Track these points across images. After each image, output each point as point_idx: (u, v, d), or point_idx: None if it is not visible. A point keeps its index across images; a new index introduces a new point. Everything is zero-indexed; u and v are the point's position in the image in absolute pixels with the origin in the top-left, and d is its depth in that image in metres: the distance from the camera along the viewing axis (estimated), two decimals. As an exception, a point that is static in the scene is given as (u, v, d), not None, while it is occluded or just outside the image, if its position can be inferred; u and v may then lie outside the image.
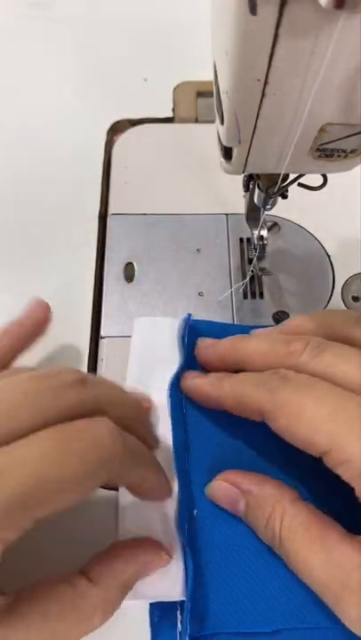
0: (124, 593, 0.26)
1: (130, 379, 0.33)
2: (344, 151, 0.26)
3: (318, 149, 0.26)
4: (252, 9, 0.18)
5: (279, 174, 0.28)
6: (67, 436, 0.23)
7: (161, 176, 0.45)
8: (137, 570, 0.27)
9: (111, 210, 0.43)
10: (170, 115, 0.49)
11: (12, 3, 0.56)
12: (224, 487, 0.28)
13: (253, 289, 0.39)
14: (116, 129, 0.48)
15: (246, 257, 0.41)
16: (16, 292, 0.38)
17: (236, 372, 0.30)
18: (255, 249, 0.37)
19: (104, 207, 0.44)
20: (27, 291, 0.35)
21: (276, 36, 0.19)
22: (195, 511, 0.29)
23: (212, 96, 0.27)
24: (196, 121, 0.49)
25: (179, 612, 0.28)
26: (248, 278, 0.39)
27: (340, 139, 0.25)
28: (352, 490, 0.23)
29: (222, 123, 0.25)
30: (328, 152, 0.26)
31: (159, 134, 0.48)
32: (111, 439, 0.24)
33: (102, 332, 0.37)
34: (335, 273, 0.40)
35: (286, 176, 0.30)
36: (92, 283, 0.40)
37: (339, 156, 0.26)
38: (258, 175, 0.32)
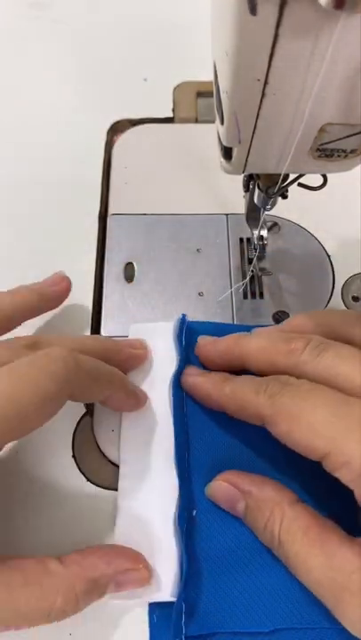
0: (93, 591, 0.26)
1: None
2: (344, 151, 0.26)
3: (318, 149, 0.26)
4: (252, 9, 0.18)
5: (279, 174, 0.28)
6: (19, 370, 0.25)
7: (161, 176, 0.45)
8: (110, 572, 0.26)
9: (111, 210, 0.43)
10: (170, 115, 0.49)
11: (12, 3, 0.56)
12: (224, 487, 0.28)
13: (253, 289, 0.39)
14: (116, 129, 0.48)
15: (246, 257, 0.41)
16: (16, 292, 0.38)
17: (236, 373, 0.30)
18: (255, 249, 0.37)
19: (104, 207, 0.44)
20: (27, 291, 0.35)
21: (276, 35, 0.19)
22: (194, 511, 0.29)
23: (212, 96, 0.27)
24: (196, 121, 0.49)
25: (175, 613, 0.28)
26: (248, 278, 0.39)
27: (340, 139, 0.25)
28: (351, 493, 0.23)
29: (222, 123, 0.25)
30: (328, 152, 0.26)
31: (159, 134, 0.48)
32: (63, 362, 0.26)
33: (102, 332, 0.37)
34: (335, 273, 0.40)
35: (286, 176, 0.30)
36: (92, 283, 0.40)
37: (339, 156, 0.26)
38: (258, 175, 0.32)
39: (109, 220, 0.42)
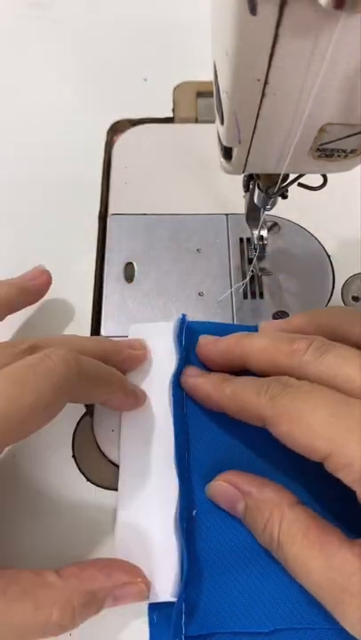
0: (91, 604, 0.25)
1: None
2: (344, 151, 0.26)
3: (318, 149, 0.26)
4: (252, 9, 0.18)
5: (279, 174, 0.28)
6: (19, 372, 0.25)
7: (161, 176, 0.45)
8: (108, 585, 0.26)
9: (111, 210, 0.43)
10: (170, 115, 0.49)
11: (12, 3, 0.56)
12: (224, 487, 0.28)
13: (253, 289, 0.39)
14: (116, 129, 0.48)
15: (246, 257, 0.41)
16: (16, 292, 0.38)
17: (236, 373, 0.30)
18: (255, 249, 0.37)
19: (104, 207, 0.44)
20: (27, 291, 0.35)
21: (276, 35, 0.19)
22: (194, 511, 0.29)
23: (212, 96, 0.27)
24: (196, 121, 0.49)
25: (175, 613, 0.28)
26: (248, 278, 0.39)
27: (340, 139, 0.25)
28: (354, 494, 0.23)
29: (222, 123, 0.25)
30: (328, 152, 0.26)
31: (159, 134, 0.48)
32: (64, 367, 0.26)
33: (102, 333, 0.37)
34: (335, 273, 0.40)
35: (286, 176, 0.30)
36: (92, 283, 0.40)
37: (339, 156, 0.26)
38: (258, 175, 0.32)
39: (109, 220, 0.42)
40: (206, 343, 0.32)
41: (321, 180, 0.31)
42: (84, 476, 0.32)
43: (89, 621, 0.28)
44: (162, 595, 0.27)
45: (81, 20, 0.55)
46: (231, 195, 0.41)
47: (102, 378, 0.29)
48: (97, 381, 0.28)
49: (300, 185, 0.31)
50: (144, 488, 0.30)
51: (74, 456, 0.33)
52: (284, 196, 0.33)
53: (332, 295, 0.39)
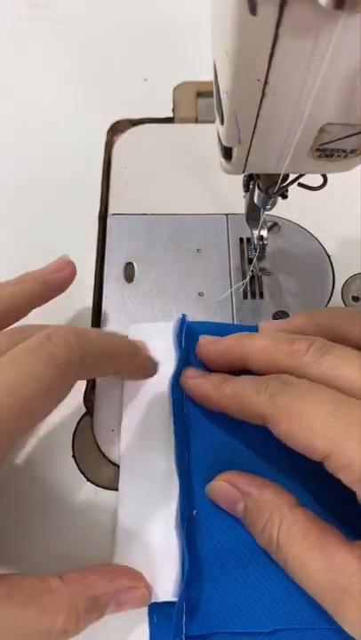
0: (94, 609, 0.25)
1: (127, 384, 0.33)
2: (344, 151, 0.26)
3: (318, 149, 0.26)
4: (252, 9, 0.18)
5: (279, 174, 0.28)
6: (19, 358, 0.24)
7: (161, 176, 0.45)
8: (112, 590, 0.26)
9: (111, 210, 0.43)
10: (170, 115, 0.49)
11: (12, 3, 0.56)
12: (224, 488, 0.28)
13: (253, 289, 0.39)
14: (116, 129, 0.48)
15: (246, 257, 0.41)
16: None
17: (236, 373, 0.30)
18: (255, 249, 0.37)
19: (104, 207, 0.44)
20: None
21: (276, 35, 0.19)
22: (194, 511, 0.29)
23: (212, 96, 0.27)
24: (196, 121, 0.49)
25: (176, 613, 0.28)
26: (248, 278, 0.39)
27: (340, 139, 0.25)
28: (354, 494, 0.23)
29: (222, 123, 0.25)
30: (328, 152, 0.26)
31: (159, 134, 0.48)
32: (66, 349, 0.24)
33: (102, 332, 0.37)
34: (335, 273, 0.40)
35: (286, 176, 0.30)
36: (92, 283, 0.40)
37: (339, 156, 0.26)
38: (258, 175, 0.32)
39: (109, 220, 0.42)
40: (206, 343, 0.32)
41: (321, 180, 0.31)
42: (84, 476, 0.32)
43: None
44: (162, 595, 0.27)
45: (81, 19, 0.55)
46: (231, 195, 0.41)
47: (108, 354, 0.27)
48: (103, 359, 0.27)
49: (300, 185, 0.31)
50: (144, 488, 0.30)
51: (74, 456, 0.33)
52: (284, 196, 0.33)
53: (332, 295, 0.39)
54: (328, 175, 0.30)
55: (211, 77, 0.26)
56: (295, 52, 0.20)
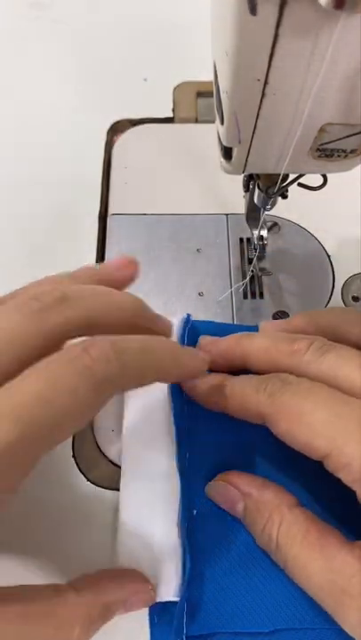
0: (105, 616, 0.25)
1: None
2: (344, 151, 0.26)
3: (318, 149, 0.26)
4: (252, 9, 0.18)
5: (279, 174, 0.28)
6: (55, 372, 0.22)
7: (161, 176, 0.45)
8: (122, 596, 0.26)
9: (111, 210, 0.43)
10: (170, 115, 0.49)
11: (12, 3, 0.56)
12: (224, 488, 0.28)
13: (253, 289, 0.39)
14: (116, 129, 0.48)
15: (246, 257, 0.41)
16: (16, 292, 0.38)
17: (236, 373, 0.30)
18: (255, 249, 0.37)
19: (104, 207, 0.43)
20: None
21: (276, 35, 0.19)
22: (194, 511, 0.29)
23: (212, 96, 0.27)
24: (196, 121, 0.49)
25: (177, 612, 0.28)
26: (248, 278, 0.39)
27: (340, 139, 0.25)
28: (354, 494, 0.23)
29: (222, 123, 0.25)
30: (328, 152, 0.26)
31: (159, 134, 0.48)
32: (104, 364, 0.23)
33: (102, 332, 0.37)
34: (335, 273, 0.40)
35: (286, 176, 0.30)
36: (91, 283, 0.40)
37: (339, 156, 0.26)
38: (258, 175, 0.32)
39: (109, 220, 0.42)
40: (206, 343, 0.32)
41: (321, 180, 0.31)
42: (84, 476, 0.32)
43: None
44: (163, 595, 0.27)
45: (81, 19, 0.55)
46: (231, 195, 0.41)
47: (148, 363, 0.25)
48: (143, 369, 0.25)
49: (300, 185, 0.31)
50: (146, 488, 0.30)
51: (74, 456, 0.33)
52: (284, 196, 0.33)
53: (332, 295, 0.39)
54: (328, 175, 0.30)
55: (211, 77, 0.26)
56: (295, 52, 0.20)
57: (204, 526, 0.29)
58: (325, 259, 0.41)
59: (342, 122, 0.23)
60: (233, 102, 0.23)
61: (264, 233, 0.38)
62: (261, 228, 0.36)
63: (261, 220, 0.35)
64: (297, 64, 0.20)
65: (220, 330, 0.33)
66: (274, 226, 0.42)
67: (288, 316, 0.38)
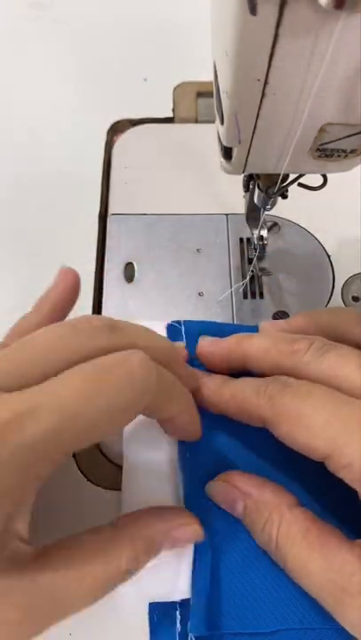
0: (151, 549, 0.26)
1: None
2: (344, 151, 0.26)
3: (318, 149, 0.26)
4: (252, 9, 0.18)
5: (279, 174, 0.28)
6: (99, 371, 0.23)
7: (161, 176, 0.45)
8: (164, 527, 0.26)
9: (111, 210, 0.43)
10: (170, 115, 0.49)
11: (12, 3, 0.56)
12: (224, 487, 0.28)
13: (253, 289, 0.39)
14: (116, 129, 0.48)
15: (246, 257, 0.41)
16: (16, 293, 0.38)
17: (237, 375, 0.30)
18: (255, 249, 0.37)
19: (104, 207, 0.44)
20: (26, 291, 0.35)
21: (276, 35, 0.19)
22: (194, 512, 0.29)
23: (212, 96, 0.27)
24: (196, 121, 0.49)
25: (178, 612, 0.28)
26: (248, 278, 0.39)
27: (340, 139, 0.25)
28: (354, 493, 0.23)
29: (222, 123, 0.25)
30: (328, 152, 0.26)
31: (159, 134, 0.48)
32: (145, 374, 0.23)
33: (102, 332, 0.37)
34: (335, 273, 0.40)
35: (286, 176, 0.30)
36: (92, 283, 0.40)
37: (339, 156, 0.26)
38: (258, 175, 0.32)
39: (109, 220, 0.42)
40: (206, 344, 0.32)
41: (321, 180, 0.31)
42: (84, 476, 0.32)
43: (89, 621, 0.28)
44: (163, 595, 0.27)
45: (81, 20, 0.55)
46: (231, 195, 0.41)
47: (175, 394, 0.27)
48: (171, 397, 0.26)
49: (300, 185, 0.31)
50: (147, 488, 0.30)
51: (74, 456, 0.33)
52: (284, 196, 0.33)
53: (332, 295, 0.39)
54: (328, 175, 0.30)
55: (211, 77, 0.26)
56: (295, 52, 0.20)
57: (204, 526, 0.29)
58: (325, 259, 0.41)
59: (342, 122, 0.23)
60: (233, 102, 0.23)
61: (264, 233, 0.38)
62: (261, 227, 0.36)
63: (261, 220, 0.35)
64: (297, 64, 0.20)
65: (219, 330, 0.33)
66: (274, 226, 0.42)
67: (288, 316, 0.38)
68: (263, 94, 0.22)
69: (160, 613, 0.28)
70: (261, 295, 0.39)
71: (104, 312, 0.38)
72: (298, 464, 0.28)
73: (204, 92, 0.50)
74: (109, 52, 0.53)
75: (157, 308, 0.38)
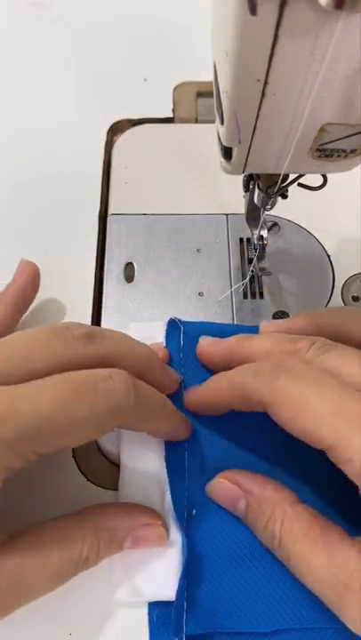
0: (111, 542, 0.26)
1: None
2: (344, 151, 0.26)
3: (318, 149, 0.26)
4: (252, 9, 0.18)
5: (279, 174, 0.28)
6: (80, 384, 0.24)
7: (161, 176, 0.45)
8: (130, 523, 0.27)
9: (111, 210, 0.43)
10: (170, 115, 0.49)
11: (12, 3, 0.56)
12: (225, 486, 0.28)
13: (253, 289, 0.39)
14: (116, 129, 0.48)
15: (246, 257, 0.41)
16: (16, 292, 0.38)
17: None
18: (255, 249, 0.37)
19: (104, 207, 0.44)
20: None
21: (276, 36, 0.19)
22: (194, 510, 0.29)
23: (212, 96, 0.27)
24: (196, 121, 0.49)
25: (176, 612, 0.28)
26: (248, 278, 0.39)
27: (340, 139, 0.25)
28: (356, 489, 0.23)
29: (222, 123, 0.25)
30: (328, 152, 0.26)
31: (159, 134, 0.48)
32: (123, 394, 0.25)
33: (102, 332, 0.37)
34: (335, 273, 0.40)
35: (286, 176, 0.30)
36: (92, 283, 0.40)
37: (339, 156, 0.26)
38: (258, 175, 0.32)
39: (109, 220, 0.42)
40: (207, 345, 0.32)
41: (321, 180, 0.31)
42: (84, 476, 0.32)
43: (89, 621, 0.28)
44: (162, 594, 0.27)
45: (81, 20, 0.55)
46: (231, 195, 0.41)
47: (154, 412, 0.28)
48: (148, 415, 0.27)
49: (300, 185, 0.31)
50: (144, 488, 0.30)
51: (74, 456, 0.33)
52: (284, 196, 0.33)
53: (332, 295, 0.39)
54: (328, 175, 0.30)
55: (211, 77, 0.26)
56: (295, 51, 0.20)
57: (203, 526, 0.29)
58: (325, 259, 0.41)
59: (342, 122, 0.23)
60: (233, 102, 0.23)
61: (264, 233, 0.38)
62: (261, 228, 0.36)
63: (261, 220, 0.35)
64: (297, 64, 0.20)
65: (219, 331, 0.33)
66: (274, 226, 0.42)
67: (288, 316, 0.38)
68: (263, 94, 0.22)
69: (160, 612, 0.28)
70: (261, 295, 0.39)
71: (104, 312, 0.38)
72: (298, 463, 0.28)
73: (204, 92, 0.50)
74: (109, 52, 0.53)
75: (157, 308, 0.38)
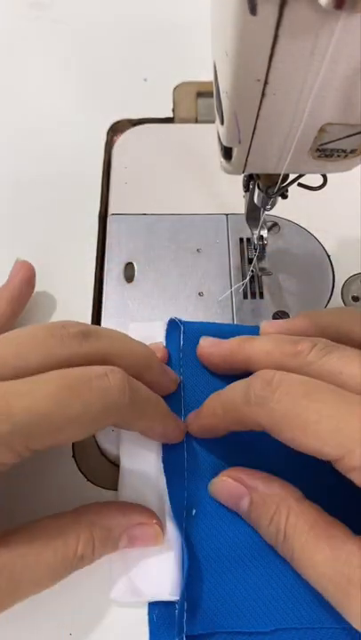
0: (106, 540, 0.27)
1: None
2: (344, 151, 0.26)
3: (318, 149, 0.26)
4: (252, 9, 0.18)
5: (279, 174, 0.28)
6: (75, 381, 0.24)
7: (161, 176, 0.45)
8: (125, 522, 0.27)
9: (111, 210, 0.43)
10: (170, 115, 0.49)
11: (12, 3, 0.56)
12: (228, 483, 0.28)
13: (253, 289, 0.39)
14: (116, 129, 0.48)
15: (246, 257, 0.41)
16: (16, 292, 0.38)
17: (239, 376, 0.30)
18: (255, 249, 0.37)
19: (104, 207, 0.44)
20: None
21: (276, 36, 0.19)
22: (194, 510, 0.29)
23: (212, 96, 0.27)
24: (196, 121, 0.49)
25: (178, 612, 0.28)
26: (248, 278, 0.39)
27: (340, 139, 0.25)
28: (358, 491, 0.23)
29: (222, 123, 0.25)
30: (328, 152, 0.26)
31: (159, 134, 0.48)
32: (118, 392, 0.25)
33: (102, 332, 0.37)
34: (335, 273, 0.40)
35: (286, 176, 0.30)
36: (92, 283, 0.40)
37: (339, 156, 0.26)
38: (258, 175, 0.32)
39: (109, 220, 0.42)
40: (208, 346, 0.32)
41: (321, 180, 0.31)
42: (84, 476, 0.32)
43: (89, 621, 0.28)
44: (162, 594, 0.27)
45: (81, 20, 0.55)
46: (231, 195, 0.41)
47: (148, 410, 0.28)
48: (142, 413, 0.27)
49: (300, 185, 0.31)
50: (144, 488, 0.30)
51: (74, 456, 0.33)
52: (284, 196, 0.33)
53: (332, 295, 0.39)
54: (328, 175, 0.30)
55: (211, 77, 0.26)
56: (295, 52, 0.20)
57: (203, 526, 0.29)
58: (325, 259, 0.41)
59: (342, 122, 0.24)
60: (233, 102, 0.23)
61: (264, 233, 0.38)
62: (261, 228, 0.36)
63: (261, 220, 0.35)
64: (297, 64, 0.20)
65: (221, 331, 0.33)
66: (274, 226, 0.42)
67: (288, 316, 0.38)
68: (263, 94, 0.22)
69: (160, 613, 0.28)
70: (261, 295, 0.39)
71: (104, 312, 0.38)
72: (299, 463, 0.28)
73: (204, 92, 0.50)
74: (109, 52, 0.53)
75: (157, 308, 0.38)
